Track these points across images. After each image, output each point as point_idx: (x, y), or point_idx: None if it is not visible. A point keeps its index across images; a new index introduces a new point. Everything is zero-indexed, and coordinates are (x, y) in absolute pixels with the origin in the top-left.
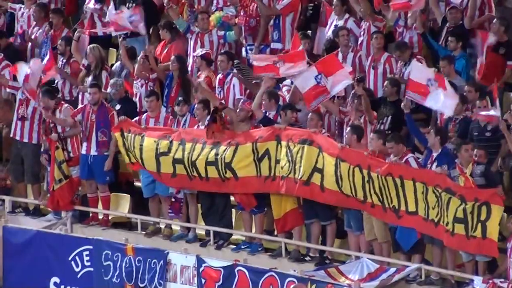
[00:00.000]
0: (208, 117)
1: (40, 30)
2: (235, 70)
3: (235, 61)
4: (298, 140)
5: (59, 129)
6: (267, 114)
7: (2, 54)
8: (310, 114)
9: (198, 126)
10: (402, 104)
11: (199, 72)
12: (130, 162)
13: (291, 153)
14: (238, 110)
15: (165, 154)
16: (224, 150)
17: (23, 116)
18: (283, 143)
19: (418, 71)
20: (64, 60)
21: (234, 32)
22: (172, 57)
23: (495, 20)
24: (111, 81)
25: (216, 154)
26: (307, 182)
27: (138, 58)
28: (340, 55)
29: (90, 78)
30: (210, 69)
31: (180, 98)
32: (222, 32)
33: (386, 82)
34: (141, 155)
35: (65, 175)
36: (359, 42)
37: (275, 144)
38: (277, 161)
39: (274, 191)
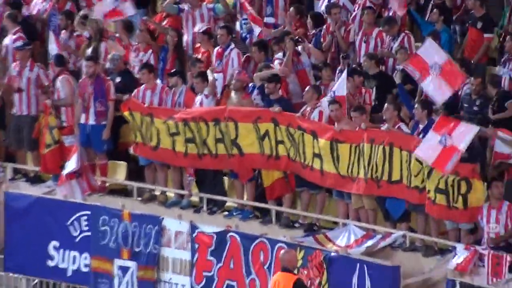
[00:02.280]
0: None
1: (44, 3)
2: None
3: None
4: (296, 126)
5: (56, 95)
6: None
7: (20, 26)
8: (307, 88)
9: (196, 97)
10: (395, 74)
11: (198, 45)
12: (135, 142)
13: (293, 137)
14: (233, 81)
15: (176, 134)
16: (226, 126)
17: (19, 88)
18: (282, 127)
19: (431, 50)
20: (68, 34)
21: (222, 5)
22: (169, 30)
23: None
24: (109, 56)
25: (221, 131)
26: (312, 168)
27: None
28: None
29: (89, 50)
30: (210, 43)
31: (174, 70)
32: (211, 5)
33: (363, 57)
34: (158, 135)
35: (55, 140)
36: (351, 16)
37: (273, 126)
38: (279, 142)
39: (278, 169)
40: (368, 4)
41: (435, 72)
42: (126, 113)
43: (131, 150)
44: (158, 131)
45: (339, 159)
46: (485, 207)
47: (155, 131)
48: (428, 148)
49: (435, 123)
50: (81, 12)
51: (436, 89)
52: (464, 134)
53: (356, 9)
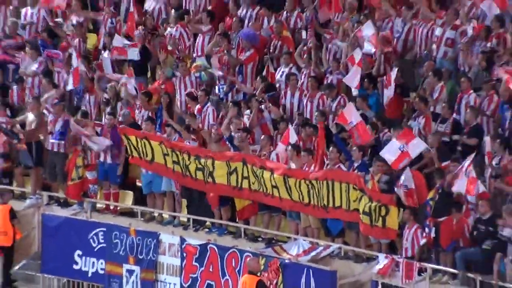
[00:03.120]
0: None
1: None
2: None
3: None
4: (259, 166)
5: (83, 142)
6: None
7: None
8: (262, 136)
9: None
10: (330, 125)
11: (188, 105)
12: (131, 155)
13: (256, 174)
14: (212, 134)
15: (167, 155)
16: (205, 162)
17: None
18: (249, 166)
19: (350, 111)
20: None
21: (206, 74)
22: (163, 94)
23: (394, 68)
24: (121, 112)
25: (200, 164)
26: (272, 195)
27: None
28: (289, 92)
29: (108, 109)
30: (195, 103)
31: (167, 124)
32: (198, 74)
33: (316, 113)
34: (153, 152)
35: (79, 176)
36: (299, 83)
37: (241, 165)
38: (244, 177)
39: (241, 198)
40: (312, 74)
41: (352, 127)
42: (122, 137)
43: (130, 162)
44: (153, 150)
45: (291, 190)
46: (405, 227)
47: (150, 149)
48: (389, 150)
49: (399, 133)
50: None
51: (356, 137)
52: (416, 146)
53: (302, 77)
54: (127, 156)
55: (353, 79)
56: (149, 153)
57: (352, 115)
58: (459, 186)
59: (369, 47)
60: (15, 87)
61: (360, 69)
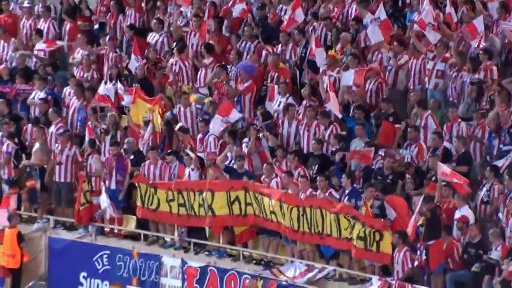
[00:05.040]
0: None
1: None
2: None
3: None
4: (257, 191)
5: (88, 168)
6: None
7: (60, 118)
8: (264, 165)
9: (186, 170)
10: (336, 155)
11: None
12: (141, 206)
13: (257, 200)
14: (206, 160)
15: (172, 200)
16: (206, 195)
17: (60, 162)
18: (251, 193)
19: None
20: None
21: (206, 106)
22: (162, 124)
23: (384, 101)
24: (125, 140)
25: (202, 199)
26: (272, 220)
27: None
28: (286, 122)
29: (108, 137)
30: (188, 135)
31: (170, 151)
32: (199, 106)
33: (313, 141)
34: (158, 201)
35: (87, 200)
36: (298, 113)
37: (243, 192)
38: (248, 204)
39: (245, 225)
40: (308, 104)
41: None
42: (136, 184)
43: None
44: (159, 199)
45: (284, 216)
46: (395, 250)
47: (156, 198)
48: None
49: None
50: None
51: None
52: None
53: (301, 108)
54: (131, 182)
55: (334, 105)
56: (154, 202)
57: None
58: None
59: (350, 78)
60: (29, 125)
61: (334, 94)
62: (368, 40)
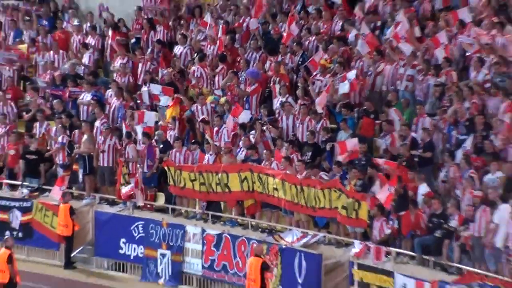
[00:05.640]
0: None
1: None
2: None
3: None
4: (263, 173)
5: (126, 155)
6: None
7: (104, 114)
8: (264, 151)
9: (205, 156)
10: (327, 145)
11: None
12: (172, 185)
13: (261, 179)
14: (223, 148)
15: (194, 180)
16: (221, 176)
17: (103, 150)
18: (255, 174)
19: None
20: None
21: (221, 105)
22: (185, 117)
23: (368, 101)
24: (156, 132)
25: (219, 179)
26: (273, 196)
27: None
28: (284, 117)
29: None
30: (208, 126)
31: (193, 141)
32: (213, 104)
33: (307, 133)
34: (184, 181)
35: (126, 181)
36: (295, 110)
37: (250, 174)
38: (253, 182)
39: (251, 199)
40: (302, 102)
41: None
42: (166, 168)
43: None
44: (184, 179)
45: (285, 192)
46: (375, 219)
47: (182, 178)
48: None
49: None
50: None
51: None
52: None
53: (296, 106)
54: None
55: (321, 101)
56: (181, 181)
57: (349, 145)
58: (382, 195)
59: (346, 88)
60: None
61: (326, 94)
62: (353, 51)
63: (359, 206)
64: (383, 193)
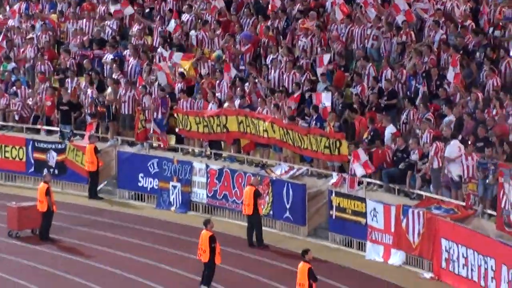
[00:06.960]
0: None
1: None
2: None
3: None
4: (255, 117)
5: (143, 105)
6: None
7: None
8: (259, 99)
9: (209, 105)
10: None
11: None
12: (180, 128)
13: (253, 122)
14: (226, 96)
15: (199, 123)
16: (221, 118)
17: (124, 100)
18: (249, 118)
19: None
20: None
21: (219, 60)
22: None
23: (327, 54)
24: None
25: (219, 121)
26: (263, 137)
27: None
28: (273, 71)
29: (156, 83)
30: (210, 78)
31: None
32: (213, 62)
33: (293, 84)
34: (190, 124)
35: (143, 126)
36: (282, 65)
37: (245, 118)
38: (247, 126)
39: (245, 138)
40: (287, 59)
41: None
42: (175, 114)
43: (177, 131)
44: (190, 122)
45: (275, 132)
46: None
47: (188, 122)
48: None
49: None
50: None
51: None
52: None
53: (283, 62)
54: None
55: (321, 70)
56: (188, 125)
57: (324, 99)
58: (359, 170)
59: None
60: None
61: (324, 67)
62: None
63: (340, 144)
64: (359, 167)
